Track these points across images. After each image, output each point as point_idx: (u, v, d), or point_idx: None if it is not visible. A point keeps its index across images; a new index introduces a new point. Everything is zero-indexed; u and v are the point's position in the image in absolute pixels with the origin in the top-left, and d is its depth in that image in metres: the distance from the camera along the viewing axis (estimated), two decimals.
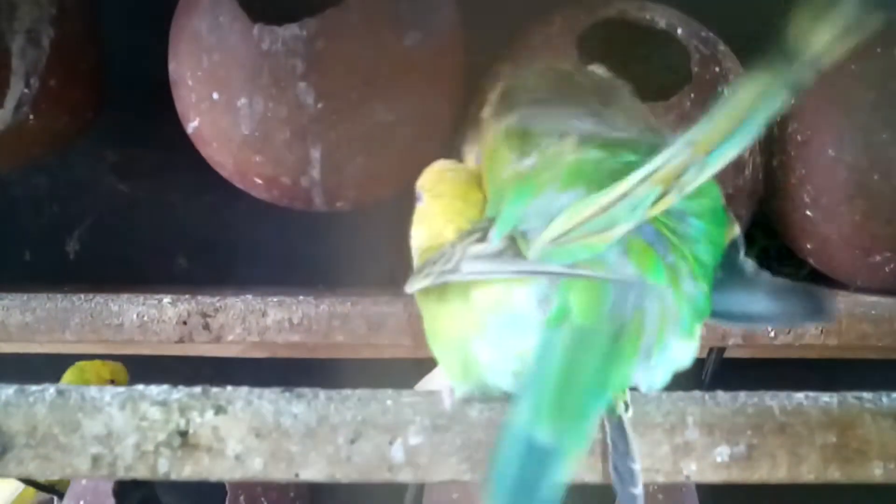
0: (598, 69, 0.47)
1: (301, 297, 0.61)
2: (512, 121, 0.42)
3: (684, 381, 0.39)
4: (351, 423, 0.38)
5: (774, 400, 0.40)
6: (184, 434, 0.38)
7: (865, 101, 0.66)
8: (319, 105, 0.62)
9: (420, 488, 0.73)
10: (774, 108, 0.29)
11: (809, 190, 0.69)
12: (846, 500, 0.59)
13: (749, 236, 0.73)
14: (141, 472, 0.38)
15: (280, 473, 0.38)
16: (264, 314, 0.60)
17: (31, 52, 0.68)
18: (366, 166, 0.65)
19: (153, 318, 0.60)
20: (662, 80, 0.73)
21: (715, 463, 0.39)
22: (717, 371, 0.73)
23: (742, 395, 0.40)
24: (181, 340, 0.60)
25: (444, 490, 0.70)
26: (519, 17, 0.71)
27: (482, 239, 0.36)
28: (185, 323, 0.60)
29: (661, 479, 0.39)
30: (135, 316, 0.60)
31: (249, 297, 0.61)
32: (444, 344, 0.39)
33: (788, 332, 0.60)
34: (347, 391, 0.40)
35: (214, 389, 0.40)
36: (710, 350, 0.69)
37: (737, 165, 0.66)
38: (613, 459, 0.36)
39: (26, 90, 0.68)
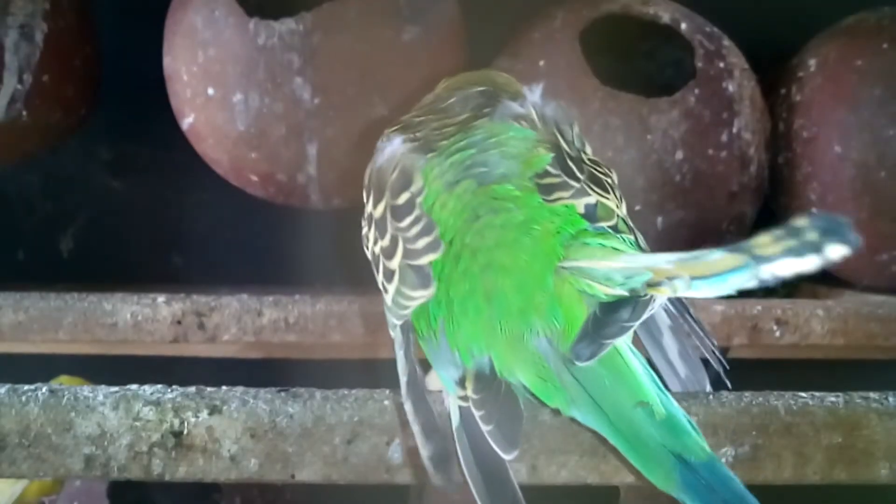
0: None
1: (297, 297, 0.61)
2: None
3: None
4: (348, 423, 0.38)
5: (780, 400, 0.39)
6: (178, 434, 0.38)
7: (872, 97, 0.66)
8: (316, 101, 0.61)
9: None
10: (744, 283, 0.29)
11: (815, 187, 0.68)
12: (852, 501, 0.59)
13: (754, 234, 0.73)
14: (135, 473, 0.38)
15: (275, 474, 0.38)
16: (260, 314, 0.60)
17: (24, 47, 0.67)
18: (363, 163, 0.64)
19: (147, 317, 0.60)
20: (666, 76, 0.73)
21: None
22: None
23: (747, 396, 0.39)
24: (176, 340, 0.60)
25: (444, 492, 0.70)
26: (520, 11, 0.71)
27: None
28: (179, 322, 0.60)
29: None
30: (129, 315, 0.60)
31: (245, 296, 0.61)
32: None
33: (794, 332, 0.60)
34: (344, 391, 0.39)
35: (209, 389, 0.39)
36: (713, 352, 0.69)
37: (742, 162, 0.66)
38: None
39: (19, 86, 0.68)
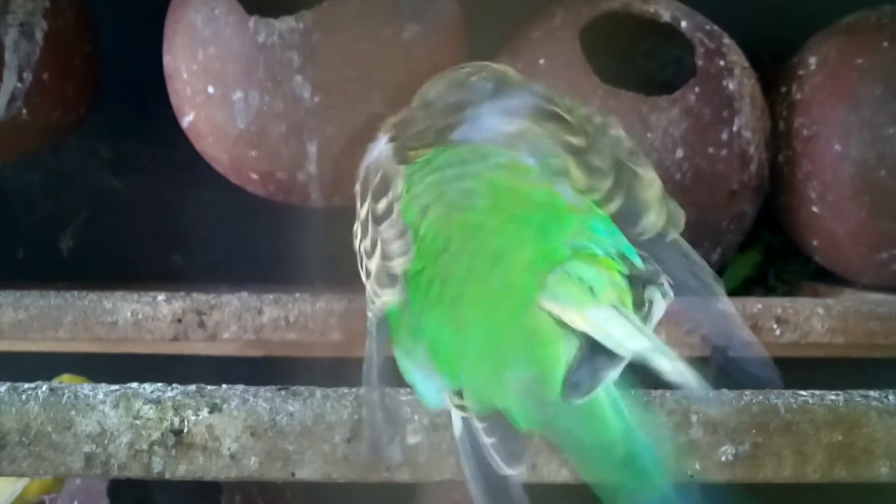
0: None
1: (297, 295, 0.61)
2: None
3: None
4: (348, 421, 0.38)
5: (780, 398, 0.39)
6: (178, 433, 0.38)
7: (872, 95, 0.66)
8: (316, 99, 0.61)
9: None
10: None
11: (815, 186, 0.68)
12: (852, 500, 0.59)
13: (754, 233, 0.73)
14: (135, 472, 0.38)
15: (276, 473, 0.38)
16: (260, 312, 0.60)
17: (24, 45, 0.67)
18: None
19: (147, 315, 0.60)
20: (666, 74, 0.73)
21: (719, 462, 0.38)
22: (721, 370, 0.73)
23: (747, 394, 0.39)
24: (176, 338, 0.60)
25: (444, 491, 0.70)
26: (520, 10, 0.70)
27: None
28: (179, 321, 0.60)
29: None
30: (129, 313, 0.60)
31: (245, 294, 0.61)
32: None
33: (794, 330, 0.59)
34: (344, 389, 0.39)
35: (209, 387, 0.39)
36: (714, 348, 0.69)
37: (742, 160, 0.66)
38: None
39: (19, 84, 0.67)
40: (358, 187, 0.44)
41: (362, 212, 0.43)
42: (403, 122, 0.45)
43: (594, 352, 0.33)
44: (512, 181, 0.39)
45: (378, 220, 0.41)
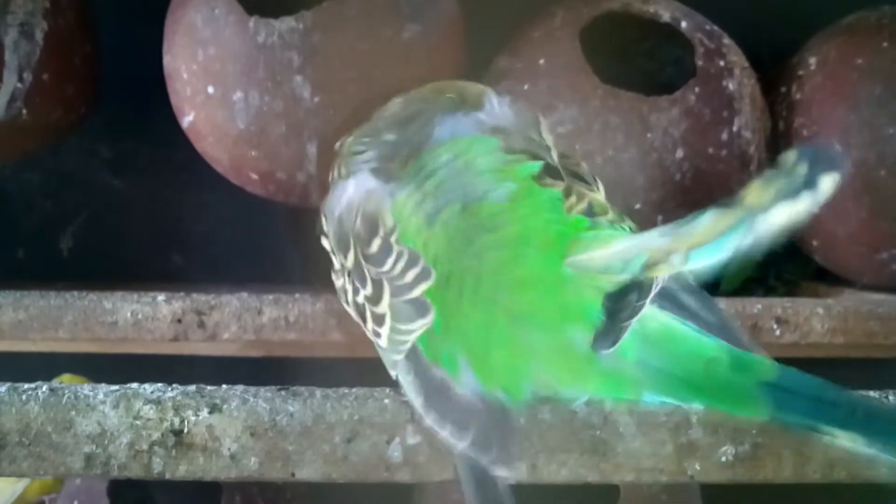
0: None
1: (297, 295, 0.61)
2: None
3: None
4: (348, 421, 0.38)
5: None
6: (178, 433, 0.38)
7: (872, 95, 0.65)
8: (316, 99, 0.61)
9: None
10: (741, 242, 0.29)
11: None
12: (852, 500, 0.59)
13: None
14: (135, 472, 0.38)
15: (276, 473, 0.38)
16: (260, 312, 0.60)
17: (24, 45, 0.67)
18: None
19: (147, 315, 0.60)
20: (666, 74, 0.73)
21: (719, 462, 0.38)
22: None
23: None
24: (176, 339, 0.60)
25: (443, 492, 0.70)
26: (520, 10, 0.70)
27: None
28: (179, 321, 0.60)
29: (664, 479, 0.38)
30: (129, 314, 0.60)
31: (245, 294, 0.61)
32: None
33: (794, 331, 0.59)
34: (344, 389, 0.39)
35: (209, 388, 0.39)
36: None
37: (742, 160, 0.65)
38: None
39: (19, 84, 0.67)
40: (330, 239, 0.43)
41: (347, 262, 0.41)
42: (366, 153, 0.43)
43: (616, 303, 0.34)
44: (507, 164, 0.40)
45: (376, 261, 0.39)
